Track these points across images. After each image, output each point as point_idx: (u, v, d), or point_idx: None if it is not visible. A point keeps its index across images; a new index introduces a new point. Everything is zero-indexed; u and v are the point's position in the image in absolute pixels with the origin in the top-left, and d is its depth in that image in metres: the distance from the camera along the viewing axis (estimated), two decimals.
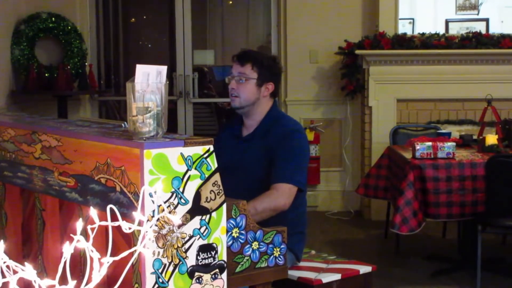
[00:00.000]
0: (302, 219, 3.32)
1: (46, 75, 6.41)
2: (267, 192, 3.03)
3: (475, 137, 5.30)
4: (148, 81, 2.30)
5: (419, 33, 6.61)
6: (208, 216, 2.36)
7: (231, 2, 8.37)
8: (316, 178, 6.88)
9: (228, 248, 2.48)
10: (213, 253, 2.38)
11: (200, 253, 2.34)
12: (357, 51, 6.45)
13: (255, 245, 2.59)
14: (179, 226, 2.28)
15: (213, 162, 2.36)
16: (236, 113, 3.34)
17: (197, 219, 2.33)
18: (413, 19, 8.51)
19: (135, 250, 1.34)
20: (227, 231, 2.46)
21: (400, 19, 6.98)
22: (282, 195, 3.03)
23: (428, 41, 6.40)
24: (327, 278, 3.21)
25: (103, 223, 1.31)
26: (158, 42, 8.36)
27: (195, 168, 2.31)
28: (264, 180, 3.11)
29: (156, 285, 2.23)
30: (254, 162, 3.20)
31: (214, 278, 2.39)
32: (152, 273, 2.22)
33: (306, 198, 3.35)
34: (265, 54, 3.47)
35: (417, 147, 4.59)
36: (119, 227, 1.35)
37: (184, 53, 7.07)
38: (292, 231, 2.90)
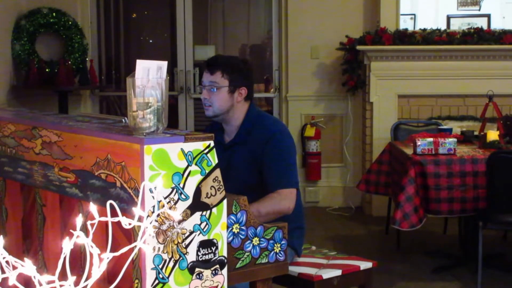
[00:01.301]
0: (299, 214, 3.30)
1: (47, 70, 6.41)
2: (270, 195, 3.02)
3: (476, 133, 5.30)
4: (149, 76, 2.29)
5: (420, 29, 6.60)
6: (208, 211, 2.36)
7: None
8: (317, 174, 6.88)
9: (229, 244, 2.47)
10: (213, 248, 2.38)
11: (201, 248, 2.34)
12: (358, 47, 6.44)
13: (255, 241, 2.58)
14: (180, 222, 2.28)
15: (213, 158, 2.36)
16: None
17: (197, 214, 2.33)
18: (414, 14, 8.51)
19: (135, 246, 1.33)
20: (228, 227, 2.46)
21: (402, 14, 6.97)
22: (284, 199, 3.03)
23: (429, 37, 6.39)
24: (327, 274, 3.21)
25: (103, 218, 1.30)
26: (159, 38, 8.34)
27: (196, 164, 2.31)
28: (253, 185, 3.09)
29: (157, 281, 2.23)
30: (240, 168, 3.17)
31: (215, 274, 2.39)
32: (152, 268, 2.22)
33: (300, 192, 3.32)
34: (235, 59, 3.37)
35: (418, 143, 4.58)
36: (119, 223, 1.35)
37: (185, 49, 7.07)
38: (291, 226, 2.90)
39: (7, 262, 1.23)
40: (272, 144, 3.12)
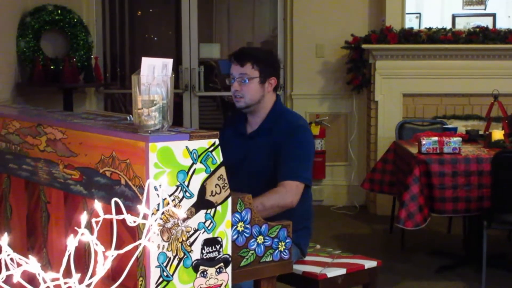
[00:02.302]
0: (308, 214, 3.31)
1: (52, 67, 6.40)
2: (274, 189, 3.01)
3: (481, 132, 5.28)
4: (154, 74, 2.29)
5: (425, 28, 6.59)
6: (213, 210, 2.35)
7: None
8: (322, 173, 6.88)
9: (233, 242, 2.47)
10: (218, 247, 2.37)
11: (205, 247, 2.34)
12: (364, 46, 6.43)
13: (260, 239, 2.58)
14: (184, 220, 2.27)
15: (218, 156, 2.35)
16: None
17: (202, 212, 2.32)
18: (420, 13, 8.49)
19: (140, 244, 1.33)
20: (232, 225, 2.45)
21: (407, 13, 6.95)
22: (289, 192, 3.01)
23: (434, 36, 6.38)
24: (332, 272, 3.20)
25: (108, 216, 1.30)
26: (164, 35, 8.35)
27: (201, 162, 2.31)
28: (269, 177, 3.08)
29: (161, 279, 2.23)
30: (260, 159, 3.17)
31: (219, 272, 2.39)
32: (156, 266, 2.22)
33: (311, 193, 3.33)
34: (262, 50, 3.41)
35: (423, 142, 4.57)
36: (123, 221, 1.34)
37: (190, 47, 7.07)
38: (298, 226, 2.89)
39: (11, 259, 1.23)
40: (293, 138, 3.13)
